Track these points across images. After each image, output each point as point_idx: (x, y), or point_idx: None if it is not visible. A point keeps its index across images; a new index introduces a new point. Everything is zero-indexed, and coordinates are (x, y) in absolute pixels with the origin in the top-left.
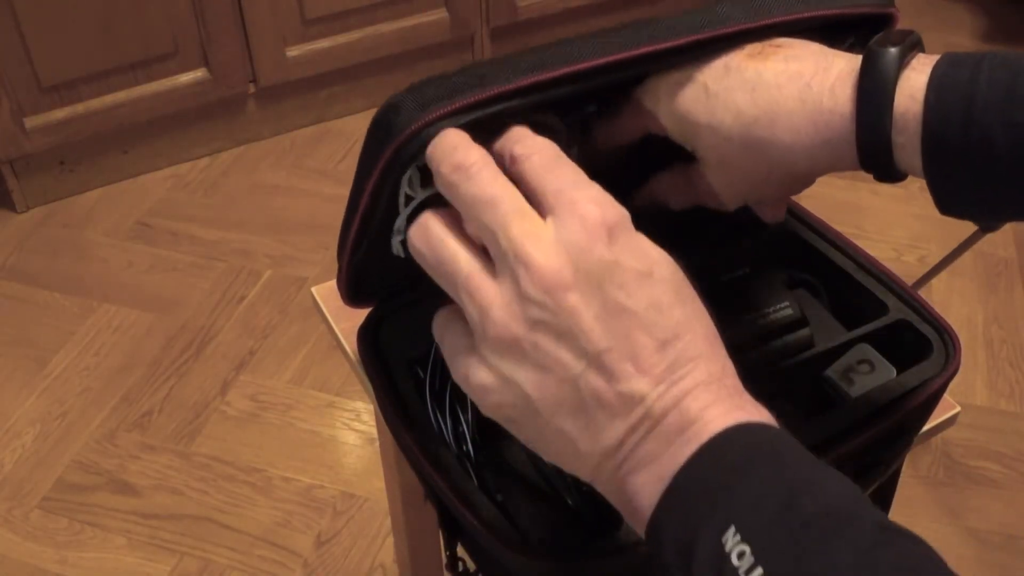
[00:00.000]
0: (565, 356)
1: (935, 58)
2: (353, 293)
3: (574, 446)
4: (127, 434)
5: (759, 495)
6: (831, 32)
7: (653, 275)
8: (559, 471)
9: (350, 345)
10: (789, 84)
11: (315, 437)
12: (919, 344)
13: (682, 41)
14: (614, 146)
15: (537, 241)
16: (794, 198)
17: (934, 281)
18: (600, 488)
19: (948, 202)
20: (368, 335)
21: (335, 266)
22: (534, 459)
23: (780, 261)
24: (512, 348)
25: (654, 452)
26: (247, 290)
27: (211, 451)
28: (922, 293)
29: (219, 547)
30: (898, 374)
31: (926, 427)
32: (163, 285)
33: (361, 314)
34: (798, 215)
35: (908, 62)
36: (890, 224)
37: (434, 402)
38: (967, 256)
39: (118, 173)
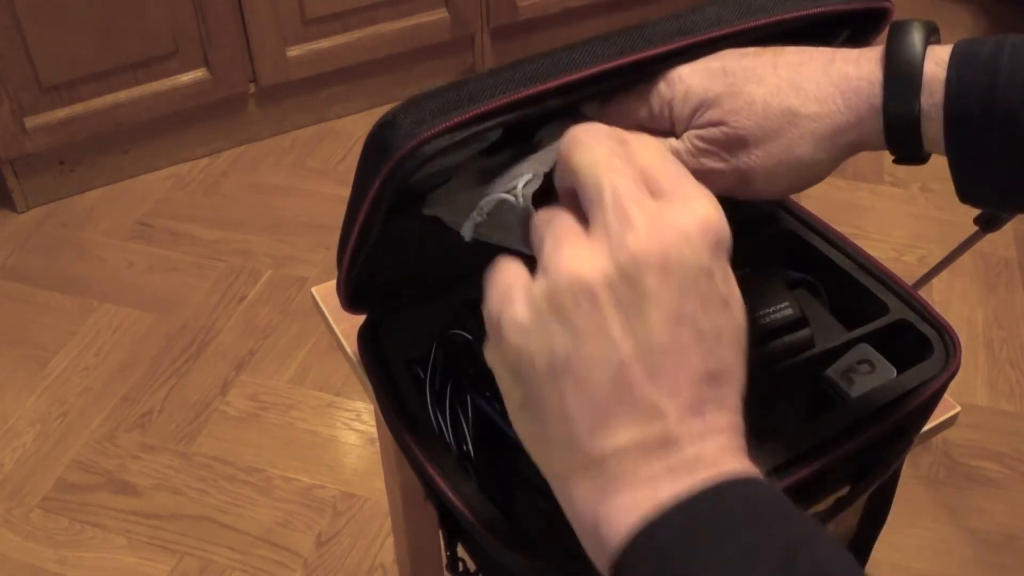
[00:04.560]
0: (618, 330)
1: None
2: (352, 301)
3: (570, 431)
4: (127, 434)
5: (756, 547)
6: (825, 30)
7: (730, 307)
8: None
9: (350, 345)
10: (811, 62)
11: (315, 437)
12: (919, 344)
13: (673, 46)
14: None
15: (644, 209)
16: (794, 198)
17: (934, 281)
18: (565, 491)
19: (967, 184)
20: (368, 335)
21: (335, 267)
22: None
23: (780, 261)
24: (571, 295)
25: (653, 476)
26: (247, 290)
27: (211, 451)
28: (922, 293)
29: (219, 547)
30: (898, 374)
31: (926, 427)
32: (163, 285)
33: (361, 314)
34: (798, 215)
35: (931, 39)
36: (890, 224)
37: (434, 402)
38: (967, 256)
39: (118, 173)
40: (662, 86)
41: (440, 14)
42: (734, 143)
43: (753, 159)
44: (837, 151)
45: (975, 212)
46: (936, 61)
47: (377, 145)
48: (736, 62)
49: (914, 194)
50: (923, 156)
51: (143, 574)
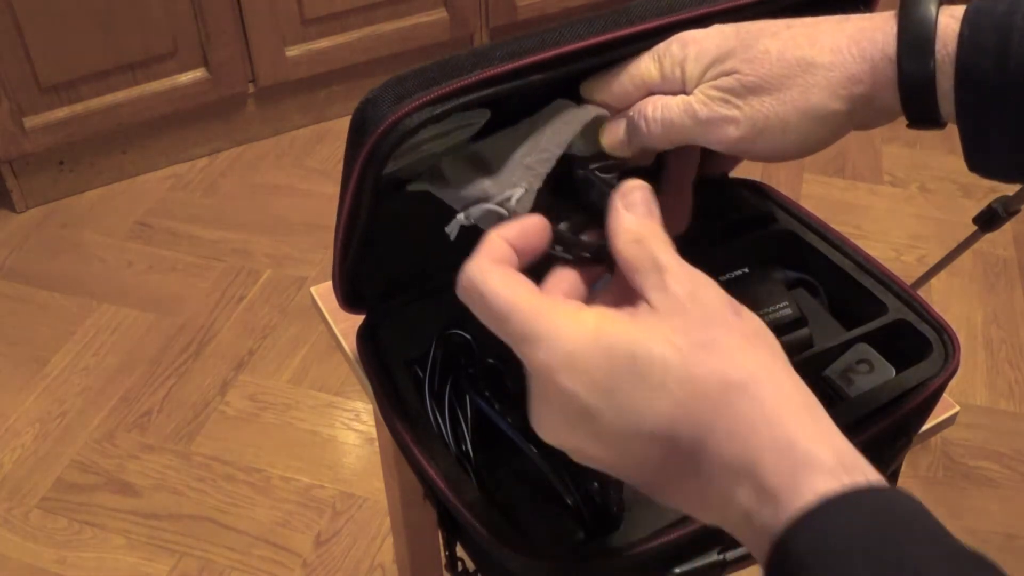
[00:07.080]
0: None
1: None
2: (349, 297)
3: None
4: (126, 434)
5: None
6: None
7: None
8: (559, 471)
9: (349, 345)
10: (825, 21)
11: (315, 437)
12: (918, 344)
13: (655, 23)
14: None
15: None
16: (793, 197)
17: (933, 281)
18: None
19: (977, 149)
20: (367, 335)
21: None
22: (534, 459)
23: (779, 261)
24: None
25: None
26: (246, 290)
27: (210, 451)
28: (921, 293)
29: (218, 547)
30: (897, 374)
31: (925, 427)
32: (162, 285)
33: (359, 314)
34: (797, 215)
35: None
36: (890, 224)
37: (433, 402)
38: (966, 256)
39: (117, 173)
40: (675, 47)
41: (439, 14)
42: (748, 90)
43: (767, 106)
44: (852, 103)
45: (974, 212)
46: (951, 14)
47: (360, 122)
48: (749, 24)
49: (913, 194)
50: (937, 117)
51: (142, 574)
